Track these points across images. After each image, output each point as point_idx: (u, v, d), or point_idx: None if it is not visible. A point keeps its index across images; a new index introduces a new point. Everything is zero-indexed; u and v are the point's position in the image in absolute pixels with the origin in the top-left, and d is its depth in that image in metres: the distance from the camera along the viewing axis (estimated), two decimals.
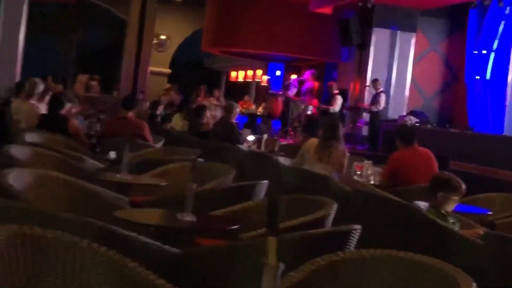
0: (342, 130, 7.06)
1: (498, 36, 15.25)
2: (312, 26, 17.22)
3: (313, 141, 7.05)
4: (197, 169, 4.10)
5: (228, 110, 9.09)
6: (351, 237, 3.54)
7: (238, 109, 9.42)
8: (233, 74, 25.44)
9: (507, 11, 14.82)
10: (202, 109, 9.86)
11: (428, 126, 13.67)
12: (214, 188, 5.03)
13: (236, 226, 3.74)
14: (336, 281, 2.91)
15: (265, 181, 5.01)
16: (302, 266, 2.86)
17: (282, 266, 2.18)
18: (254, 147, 8.99)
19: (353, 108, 15.49)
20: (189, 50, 25.63)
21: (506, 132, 13.76)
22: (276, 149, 8.88)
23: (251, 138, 9.33)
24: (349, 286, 2.92)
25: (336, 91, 15.09)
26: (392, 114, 15.26)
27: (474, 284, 2.64)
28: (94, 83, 20.60)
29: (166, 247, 3.24)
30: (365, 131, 15.19)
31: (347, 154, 6.97)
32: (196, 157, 4.15)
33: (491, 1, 14.73)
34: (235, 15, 17.95)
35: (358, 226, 3.54)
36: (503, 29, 15.12)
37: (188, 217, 3.70)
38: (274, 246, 2.19)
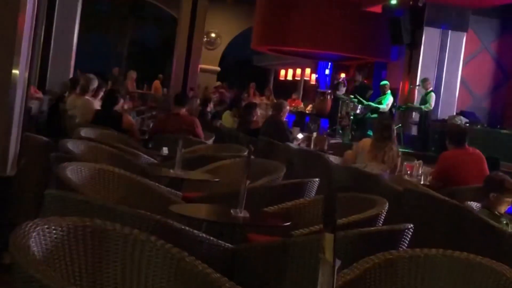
0: (395, 130, 7.01)
1: None
2: (361, 25, 17.10)
3: (367, 141, 7.04)
4: (249, 166, 4.12)
5: (278, 108, 9.09)
6: (404, 236, 3.53)
7: (288, 107, 9.43)
8: (282, 72, 25.42)
9: None
10: (252, 106, 9.88)
11: (478, 126, 13.45)
12: (266, 185, 5.05)
13: (288, 223, 3.75)
14: (391, 279, 2.90)
15: (317, 179, 5.01)
16: (356, 264, 2.86)
17: (339, 263, 2.18)
18: (303, 145, 8.99)
19: (403, 108, 15.31)
20: (238, 48, 25.73)
21: None
22: (326, 147, 8.85)
23: (300, 136, 9.32)
24: (403, 284, 2.91)
25: (388, 91, 14.97)
26: (442, 114, 15.06)
27: None
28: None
29: (221, 242, 3.27)
30: (414, 131, 15.02)
31: (400, 154, 6.93)
32: (248, 153, 4.15)
33: None
34: (285, 13, 17.93)
35: (411, 225, 3.52)
36: None
37: (242, 213, 3.73)
38: (331, 243, 2.19)
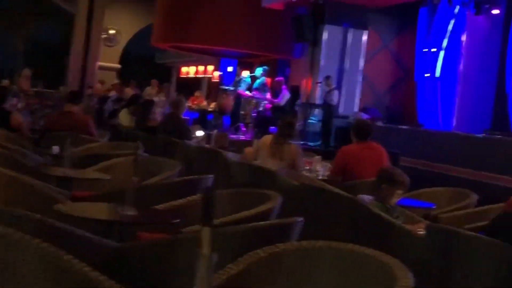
0: (296, 128, 7.10)
1: (448, 34, 15.50)
2: (264, 22, 17.21)
3: (268, 137, 7.12)
4: (141, 164, 4.08)
5: (176, 105, 9.03)
6: (293, 230, 3.57)
7: (186, 104, 9.39)
8: (184, 69, 25.34)
9: (456, 10, 15.06)
10: (149, 104, 9.79)
11: (379, 123, 13.83)
12: (159, 182, 5.01)
13: (178, 220, 3.72)
14: (276, 272, 2.92)
15: (211, 176, 5.00)
16: (241, 258, 2.87)
17: (215, 257, 2.19)
18: (203, 143, 8.98)
19: (305, 104, 15.57)
20: (140, 45, 25.41)
21: (455, 129, 14.00)
22: (226, 144, 8.88)
23: (200, 133, 9.31)
24: (289, 277, 2.94)
25: (284, 87, 15.19)
26: (344, 110, 15.39)
27: (411, 275, 2.67)
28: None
29: (105, 241, 3.21)
30: (317, 127, 15.28)
31: (301, 152, 7.01)
32: (138, 151, 4.09)
33: (441, 0, 14.96)
34: (186, 10, 17.82)
35: (300, 219, 3.56)
36: (453, 28, 15.37)
37: (129, 211, 3.67)
38: (208, 237, 2.20)
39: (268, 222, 3.70)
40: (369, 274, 2.86)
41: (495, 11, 14.07)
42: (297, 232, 3.61)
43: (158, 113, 9.93)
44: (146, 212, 3.95)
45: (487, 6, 14.03)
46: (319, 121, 15.06)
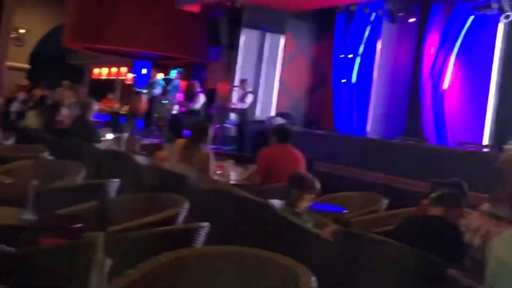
0: (211, 133, 7.07)
1: (364, 41, 15.83)
2: (179, 24, 17.10)
3: (181, 141, 7.08)
4: (45, 167, 3.98)
5: (84, 108, 8.84)
6: (199, 234, 3.55)
7: (96, 106, 9.21)
8: (96, 71, 24.95)
9: (372, 17, 15.40)
10: (56, 106, 9.55)
11: (295, 127, 13.95)
12: (62, 186, 4.88)
13: (79, 225, 3.63)
14: (178, 277, 2.90)
15: (116, 180, 4.92)
16: (142, 264, 2.84)
17: (109, 262, 2.16)
18: (113, 146, 8.84)
19: (221, 108, 15.57)
20: (50, 45, 24.81)
21: (369, 134, 14.29)
22: (137, 148, 8.77)
23: (110, 136, 9.16)
24: (192, 282, 2.92)
25: (199, 90, 15.18)
26: (260, 115, 15.46)
27: (314, 279, 2.70)
28: None
29: (1, 246, 3.11)
30: (232, 131, 15.29)
31: (212, 157, 6.99)
32: (40, 154, 3.98)
33: (357, 7, 15.25)
34: (98, 10, 17.51)
35: (205, 224, 3.55)
36: (369, 35, 15.70)
37: (29, 216, 3.56)
38: (102, 242, 2.18)
39: (172, 227, 3.67)
40: (273, 279, 2.87)
41: (410, 20, 14.45)
42: (203, 237, 3.59)
43: (68, 115, 9.69)
44: (47, 217, 3.84)
45: (402, 14, 14.40)
46: (234, 125, 15.08)
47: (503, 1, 12.43)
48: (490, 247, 2.94)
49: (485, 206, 3.78)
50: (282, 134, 7.07)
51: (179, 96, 15.44)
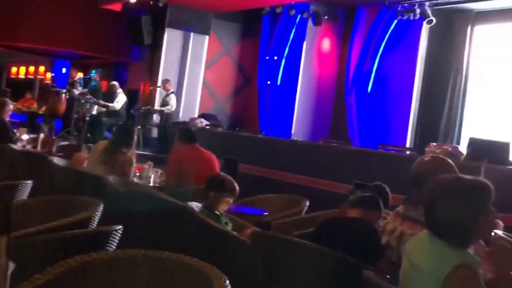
0: (135, 137, 6.98)
1: (289, 43, 15.96)
2: (100, 23, 16.85)
3: (102, 143, 6.95)
4: None
5: None
6: (112, 238, 3.49)
7: (11, 106, 8.96)
8: (14, 70, 24.36)
9: (297, 20, 15.54)
10: None
11: (219, 129, 13.94)
12: None
13: None
14: (88, 282, 2.84)
15: (29, 181, 4.79)
16: (50, 268, 2.77)
17: (12, 266, 2.10)
18: (29, 147, 8.62)
19: (143, 109, 15.40)
20: None
21: (294, 137, 14.41)
22: (54, 149, 8.58)
23: (26, 137, 8.94)
24: (102, 286, 2.86)
25: (119, 90, 15.00)
26: (183, 116, 15.39)
27: (227, 282, 2.69)
28: None
29: None
30: (155, 133, 15.17)
31: (134, 161, 6.89)
32: None
33: (283, 9, 15.36)
34: (16, 7, 17.07)
35: (118, 227, 3.50)
36: (294, 37, 15.84)
37: None
38: (4, 246, 2.11)
39: (83, 230, 3.59)
40: (186, 283, 2.85)
41: (335, 23, 14.65)
42: (116, 241, 3.53)
43: None
44: None
45: (327, 17, 14.59)
46: (156, 126, 14.96)
47: (426, 6, 12.75)
48: (404, 249, 2.99)
49: (401, 208, 3.85)
50: (188, 134, 7.07)
51: (100, 96, 15.20)
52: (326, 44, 15.43)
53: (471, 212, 2.70)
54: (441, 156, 4.17)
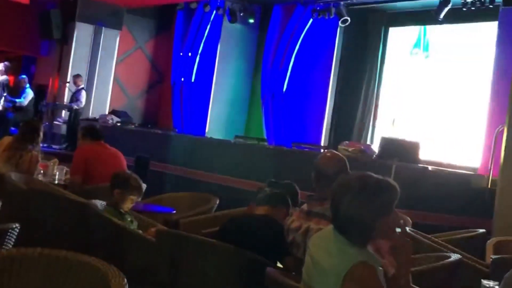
0: (41, 134, 6.84)
1: (204, 39, 15.92)
2: (7, 16, 16.33)
3: (6, 139, 6.79)
4: None
5: None
6: (8, 236, 3.42)
7: None
8: None
9: (212, 16, 15.51)
10: None
11: (131, 126, 13.80)
12: None
13: None
14: None
15: None
16: None
17: None
18: None
19: (52, 105, 15.08)
20: None
21: (208, 135, 14.41)
22: None
23: None
24: None
25: (27, 85, 14.69)
26: (94, 112, 15.14)
27: (125, 281, 2.67)
28: None
29: None
30: (63, 129, 14.86)
31: (39, 160, 6.75)
32: None
33: (198, 5, 15.31)
34: None
35: (15, 225, 3.42)
36: (208, 33, 15.81)
37: None
38: None
39: None
40: (83, 282, 2.82)
41: (251, 20, 14.71)
42: (12, 239, 3.45)
43: None
44: None
45: (242, 14, 14.63)
46: (65, 122, 14.67)
47: (341, 6, 12.97)
48: (308, 246, 3.03)
49: (305, 206, 3.90)
50: (94, 131, 7.00)
51: (6, 91, 14.82)
52: (241, 41, 15.47)
53: (373, 212, 2.74)
54: (335, 152, 4.25)
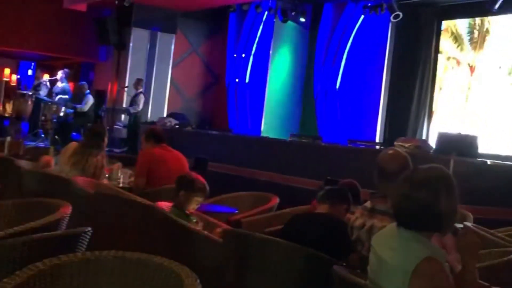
0: (106, 139, 6.95)
1: (257, 40, 15.98)
2: (65, 24, 16.73)
3: (72, 145, 6.91)
4: None
5: None
6: (81, 240, 3.49)
7: None
8: None
9: (264, 17, 15.57)
10: None
11: (188, 128, 13.93)
12: None
13: None
14: (57, 285, 2.84)
15: None
16: (19, 272, 2.77)
17: None
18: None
19: (111, 110, 15.35)
20: None
21: (263, 134, 14.45)
22: (21, 152, 8.52)
23: None
24: None
25: (87, 91, 14.96)
26: (152, 116, 15.37)
27: (198, 281, 2.71)
28: None
29: None
30: (123, 133, 15.10)
31: (105, 164, 6.87)
32: None
33: (250, 6, 15.38)
34: None
35: (88, 229, 3.49)
36: (261, 34, 15.87)
37: None
38: None
39: (51, 233, 3.57)
40: (156, 283, 2.87)
41: (302, 19, 14.69)
42: (85, 242, 3.53)
43: None
44: None
45: (293, 13, 14.62)
46: (125, 126, 14.90)
47: (393, 1, 12.83)
48: (371, 243, 3.03)
49: (368, 203, 3.89)
50: (157, 135, 7.09)
51: (67, 97, 15.14)
52: (294, 40, 15.47)
53: (450, 199, 2.74)
54: (398, 149, 4.22)
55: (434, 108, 13.25)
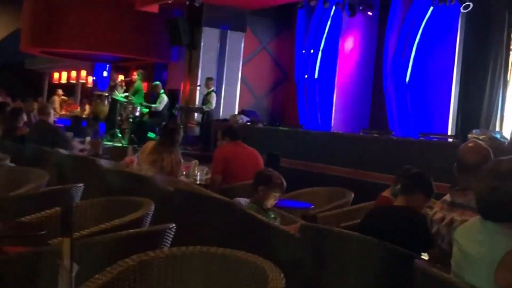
0: (180, 136, 7.08)
1: (325, 36, 15.93)
2: (138, 25, 17.05)
3: (149, 144, 7.07)
4: (6, 174, 3.94)
5: (43, 111, 8.71)
6: (165, 236, 3.56)
7: (51, 108, 9.07)
8: (56, 75, 24.73)
9: (332, 12, 15.49)
10: (17, 112, 9.40)
11: (259, 125, 13.99)
12: (25, 193, 4.83)
13: (43, 232, 3.61)
14: (146, 280, 2.91)
15: (80, 184, 4.89)
16: (109, 268, 2.84)
17: (76, 268, 2.16)
18: (82, 150, 8.77)
19: (184, 108, 15.56)
20: (8, 50, 24.53)
21: (334, 129, 14.39)
22: (100, 152, 8.72)
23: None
24: (160, 284, 2.93)
25: (161, 91, 15.19)
26: (224, 113, 15.51)
27: (282, 276, 2.73)
28: None
29: None
30: (196, 131, 15.30)
31: (182, 161, 6.99)
32: (2, 162, 3.95)
33: (317, 2, 15.31)
34: (55, 13, 17.34)
35: (172, 225, 3.56)
36: (329, 29, 15.81)
37: None
38: (67, 248, 2.17)
39: (137, 230, 3.67)
40: (242, 277, 2.90)
41: (370, 13, 14.56)
42: (170, 239, 3.60)
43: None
44: (10, 225, 3.82)
45: (361, 7, 14.50)
46: (198, 124, 15.07)
47: None
48: (454, 237, 2.99)
49: (448, 196, 3.84)
50: (233, 132, 7.19)
51: (142, 97, 15.43)
52: (362, 34, 15.34)
53: None
54: (478, 142, 4.14)
55: (507, 99, 12.92)
